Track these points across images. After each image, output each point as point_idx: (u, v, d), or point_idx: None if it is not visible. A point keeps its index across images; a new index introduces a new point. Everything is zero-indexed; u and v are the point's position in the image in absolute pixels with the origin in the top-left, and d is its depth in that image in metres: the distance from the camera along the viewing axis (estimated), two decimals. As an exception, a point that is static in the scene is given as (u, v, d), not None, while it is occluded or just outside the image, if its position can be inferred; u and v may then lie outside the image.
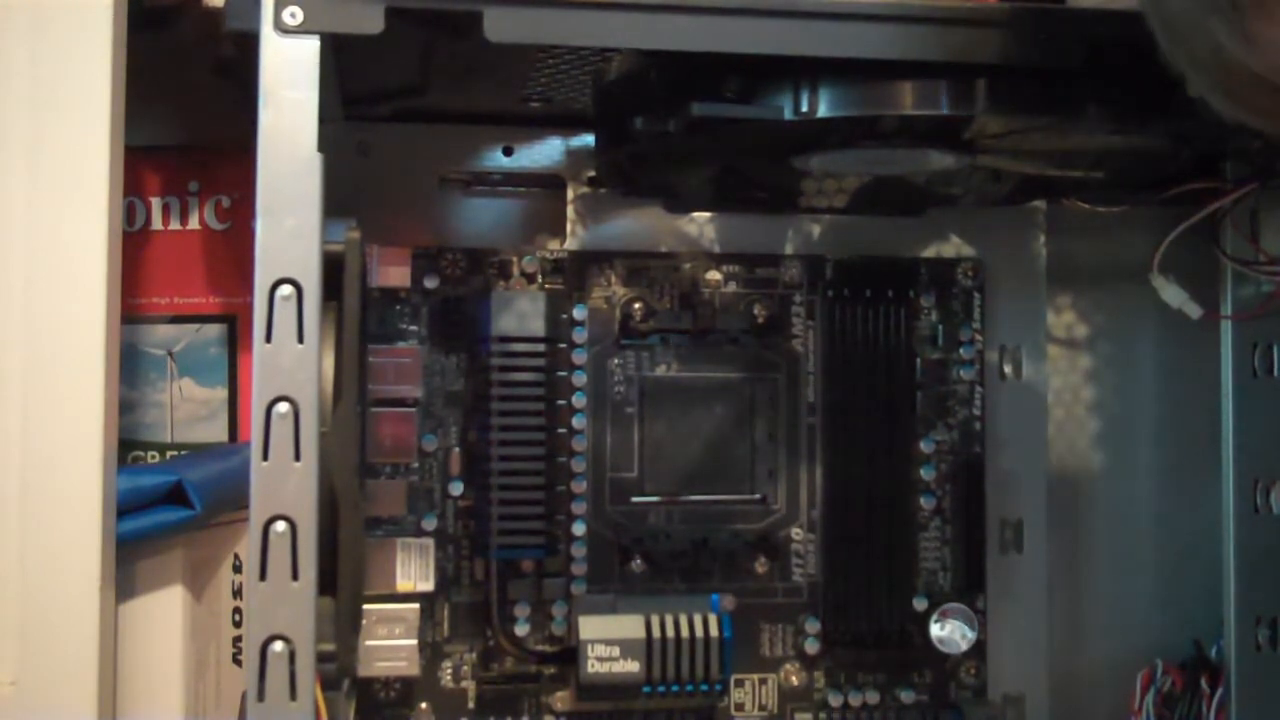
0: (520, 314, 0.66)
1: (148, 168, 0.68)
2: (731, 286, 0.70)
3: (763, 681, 0.70)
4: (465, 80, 0.61)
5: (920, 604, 0.70)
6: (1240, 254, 0.69)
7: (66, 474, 0.51)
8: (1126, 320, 0.76)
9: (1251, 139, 0.59)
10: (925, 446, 0.70)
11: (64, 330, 0.51)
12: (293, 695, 0.45)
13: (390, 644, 0.65)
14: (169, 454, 0.68)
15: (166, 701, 0.57)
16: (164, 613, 0.58)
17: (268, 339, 0.46)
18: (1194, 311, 0.70)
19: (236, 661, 0.63)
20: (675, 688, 0.65)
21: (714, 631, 0.66)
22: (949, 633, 0.69)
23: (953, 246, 0.72)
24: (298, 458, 0.45)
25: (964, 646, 0.69)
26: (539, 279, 0.68)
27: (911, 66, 0.50)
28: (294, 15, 0.46)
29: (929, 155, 0.56)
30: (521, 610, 0.67)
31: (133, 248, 0.64)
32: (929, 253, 0.72)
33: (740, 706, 0.69)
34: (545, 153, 0.69)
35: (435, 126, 0.68)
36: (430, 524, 0.67)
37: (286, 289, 0.46)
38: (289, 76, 0.46)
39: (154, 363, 0.68)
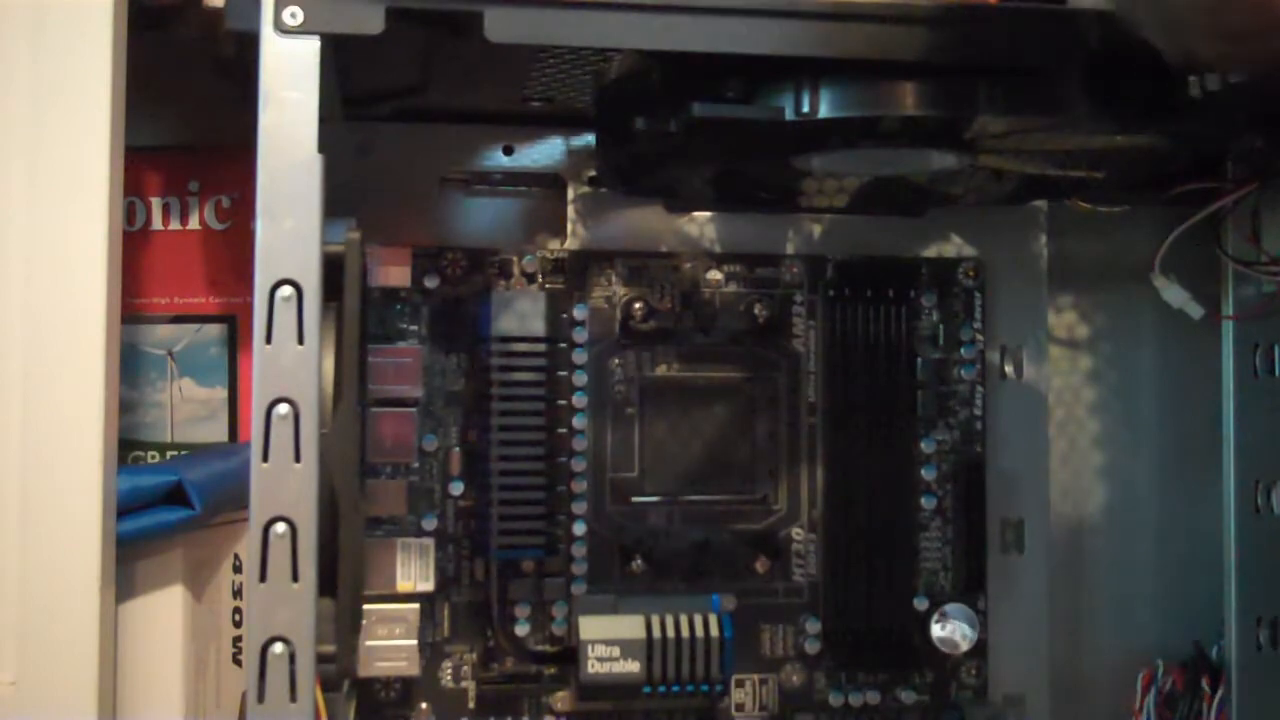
0: (520, 314, 0.66)
1: (148, 168, 0.68)
2: (732, 286, 0.70)
3: (763, 681, 0.70)
4: (465, 80, 0.61)
5: (921, 604, 0.70)
6: (1241, 254, 0.69)
7: (66, 474, 0.51)
8: (1128, 320, 0.76)
9: (1252, 138, 0.59)
10: (926, 446, 0.70)
11: (64, 330, 0.51)
12: (293, 696, 0.45)
13: (390, 644, 0.65)
14: (169, 454, 0.68)
15: (166, 701, 0.57)
16: (164, 613, 0.58)
17: (268, 340, 0.46)
18: (1195, 311, 0.70)
19: (236, 661, 0.63)
20: (676, 688, 0.65)
21: (714, 631, 0.66)
22: (949, 633, 0.69)
23: (954, 246, 0.72)
24: (298, 459, 0.45)
25: (964, 646, 0.69)
26: (539, 279, 0.68)
27: (911, 66, 0.50)
28: (294, 15, 0.46)
29: (930, 155, 0.56)
30: (522, 610, 0.67)
31: (133, 248, 0.64)
32: (930, 253, 0.72)
33: (741, 707, 0.69)
34: (545, 152, 0.69)
35: (435, 126, 0.68)
36: (430, 524, 0.67)
37: (286, 290, 0.46)
38: (289, 76, 0.46)
39: (154, 363, 0.68)
